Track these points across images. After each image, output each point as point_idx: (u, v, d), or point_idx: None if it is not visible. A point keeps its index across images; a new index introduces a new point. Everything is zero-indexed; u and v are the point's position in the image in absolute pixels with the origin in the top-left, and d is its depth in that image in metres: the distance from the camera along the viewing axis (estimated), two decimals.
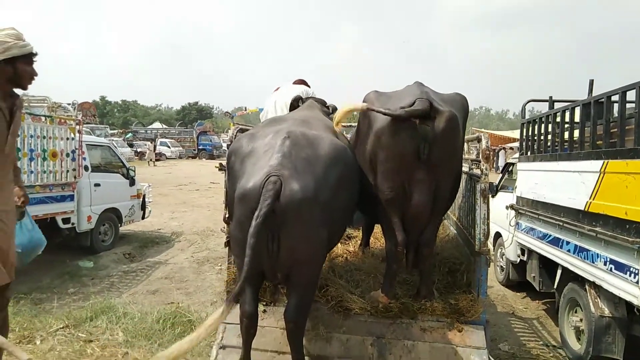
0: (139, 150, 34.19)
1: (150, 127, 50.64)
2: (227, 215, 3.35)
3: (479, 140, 3.41)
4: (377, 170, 3.14)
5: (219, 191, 14.46)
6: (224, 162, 10.47)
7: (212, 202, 13.66)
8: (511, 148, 28.83)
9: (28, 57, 2.56)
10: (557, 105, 5.47)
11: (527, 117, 6.13)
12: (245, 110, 18.50)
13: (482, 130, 26.68)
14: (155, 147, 32.64)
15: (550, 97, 5.40)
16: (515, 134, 20.88)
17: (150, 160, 29.66)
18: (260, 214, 2.29)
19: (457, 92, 3.33)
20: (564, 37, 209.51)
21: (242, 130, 3.49)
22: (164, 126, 51.46)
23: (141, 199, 8.79)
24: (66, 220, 6.85)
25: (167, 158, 34.74)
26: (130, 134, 41.43)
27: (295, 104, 4.38)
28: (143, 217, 8.99)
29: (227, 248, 3.52)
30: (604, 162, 3.84)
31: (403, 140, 2.96)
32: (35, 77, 2.67)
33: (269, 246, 2.47)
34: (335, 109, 4.73)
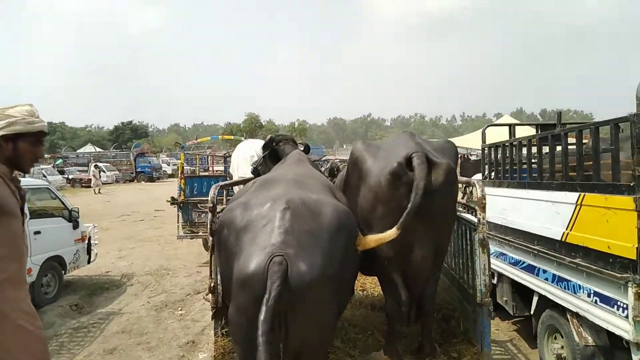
0: (71, 177, 32.09)
1: (81, 150, 47.81)
2: (212, 285, 3.03)
3: (471, 185, 3.34)
4: (373, 225, 2.98)
5: (166, 220, 13.70)
6: (176, 196, 9.75)
7: (161, 233, 12.90)
8: None
9: (35, 136, 2.20)
10: (517, 129, 5.58)
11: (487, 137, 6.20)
12: (197, 139, 17.85)
13: None
14: (99, 173, 30.46)
15: (512, 125, 5.51)
16: (456, 141, 21.59)
17: (97, 187, 27.78)
18: (271, 296, 2.05)
19: (446, 139, 3.27)
20: (493, 45, 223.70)
21: (223, 187, 3.19)
22: (97, 149, 48.78)
23: (86, 242, 8.07)
24: None
25: (102, 183, 32.85)
26: (60, 160, 38.79)
27: (270, 143, 4.22)
28: (89, 262, 8.22)
29: (213, 320, 3.19)
30: (580, 194, 3.90)
31: (401, 195, 2.83)
32: (39, 160, 2.33)
33: (275, 330, 2.21)
34: (308, 147, 4.56)
